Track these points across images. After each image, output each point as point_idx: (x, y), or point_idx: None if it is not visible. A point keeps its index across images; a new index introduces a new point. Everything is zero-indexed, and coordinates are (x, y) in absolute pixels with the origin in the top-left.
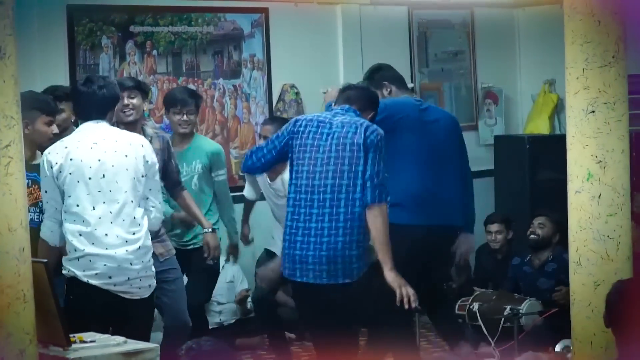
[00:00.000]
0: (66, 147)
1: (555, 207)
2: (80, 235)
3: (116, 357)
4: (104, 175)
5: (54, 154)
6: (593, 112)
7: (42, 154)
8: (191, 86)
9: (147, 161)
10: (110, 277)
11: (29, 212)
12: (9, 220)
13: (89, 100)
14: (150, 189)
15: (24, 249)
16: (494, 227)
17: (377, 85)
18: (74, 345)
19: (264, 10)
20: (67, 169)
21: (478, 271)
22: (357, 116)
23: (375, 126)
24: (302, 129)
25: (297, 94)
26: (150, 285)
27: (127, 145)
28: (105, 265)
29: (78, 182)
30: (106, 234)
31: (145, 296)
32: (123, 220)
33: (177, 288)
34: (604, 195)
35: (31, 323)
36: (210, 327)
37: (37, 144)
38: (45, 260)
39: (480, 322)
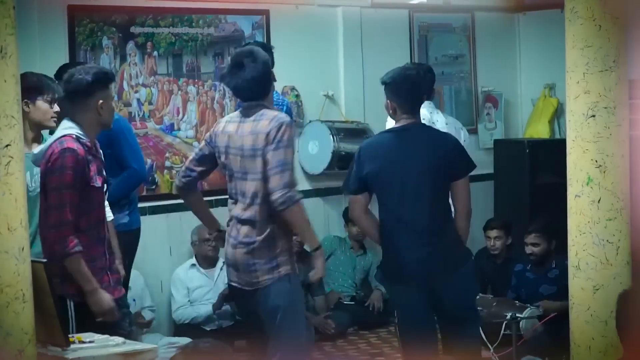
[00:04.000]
0: None
1: (554, 212)
2: None
3: (115, 357)
4: None
5: None
6: (593, 116)
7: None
8: (192, 88)
9: None
10: None
11: None
12: (9, 220)
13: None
14: None
15: (24, 248)
16: (492, 233)
17: None
18: (72, 346)
19: (265, 12)
20: None
21: (477, 275)
22: None
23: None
24: None
25: (298, 96)
26: None
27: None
28: None
29: None
30: None
31: None
32: None
33: None
34: (603, 199)
35: (30, 323)
36: (209, 330)
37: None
38: (45, 260)
39: (480, 328)
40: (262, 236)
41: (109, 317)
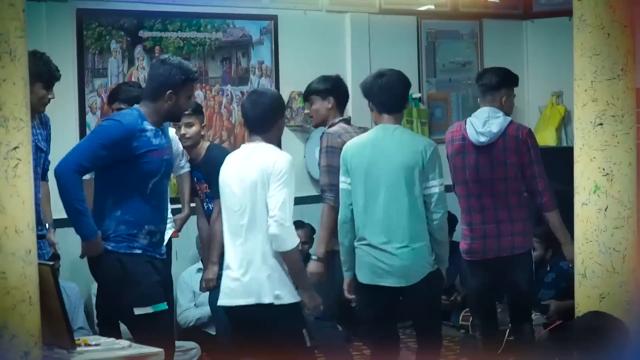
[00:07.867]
0: None
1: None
2: None
3: None
4: None
5: None
6: (601, 124)
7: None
8: (199, 92)
9: None
10: None
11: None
12: (16, 222)
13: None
14: None
15: (31, 250)
16: None
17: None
18: (78, 348)
19: (273, 18)
20: None
21: None
22: None
23: None
24: None
25: None
26: None
27: None
28: None
29: None
30: None
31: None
32: None
33: None
34: (610, 207)
35: (36, 325)
36: (214, 334)
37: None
38: (52, 263)
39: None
40: None
41: None
